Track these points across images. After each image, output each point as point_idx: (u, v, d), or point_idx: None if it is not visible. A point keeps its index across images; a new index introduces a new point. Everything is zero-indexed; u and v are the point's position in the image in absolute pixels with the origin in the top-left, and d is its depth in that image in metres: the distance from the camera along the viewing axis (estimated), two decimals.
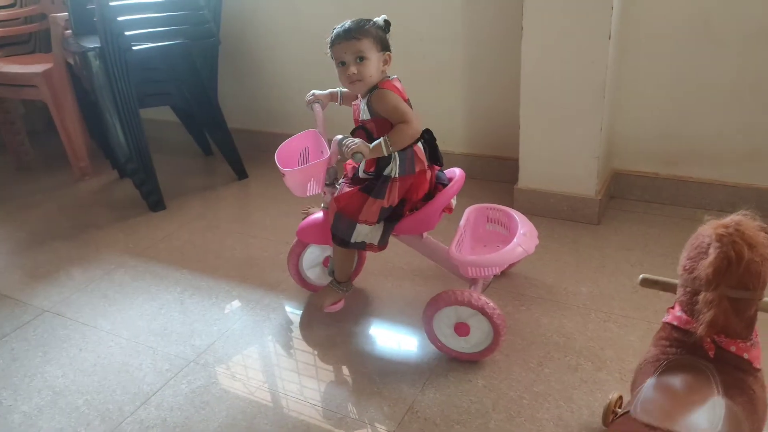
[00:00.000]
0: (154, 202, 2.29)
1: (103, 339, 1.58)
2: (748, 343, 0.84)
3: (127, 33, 2.11)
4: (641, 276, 0.95)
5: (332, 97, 1.50)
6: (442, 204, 1.39)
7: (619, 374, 1.31)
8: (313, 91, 1.50)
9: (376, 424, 1.24)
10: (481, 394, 1.29)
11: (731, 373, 0.83)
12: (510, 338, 1.44)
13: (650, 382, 0.86)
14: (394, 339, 1.52)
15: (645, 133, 1.95)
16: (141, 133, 2.22)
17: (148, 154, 2.24)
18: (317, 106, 1.48)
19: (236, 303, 1.69)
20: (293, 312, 1.64)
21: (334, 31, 1.34)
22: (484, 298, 1.32)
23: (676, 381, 0.84)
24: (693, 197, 1.94)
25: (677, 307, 0.91)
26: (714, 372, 0.82)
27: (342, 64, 1.32)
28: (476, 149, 2.30)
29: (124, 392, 1.39)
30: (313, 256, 1.66)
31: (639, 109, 1.93)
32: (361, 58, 1.30)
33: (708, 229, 0.83)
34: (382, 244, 1.41)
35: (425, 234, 1.47)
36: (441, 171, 1.44)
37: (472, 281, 1.45)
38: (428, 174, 1.39)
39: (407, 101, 1.35)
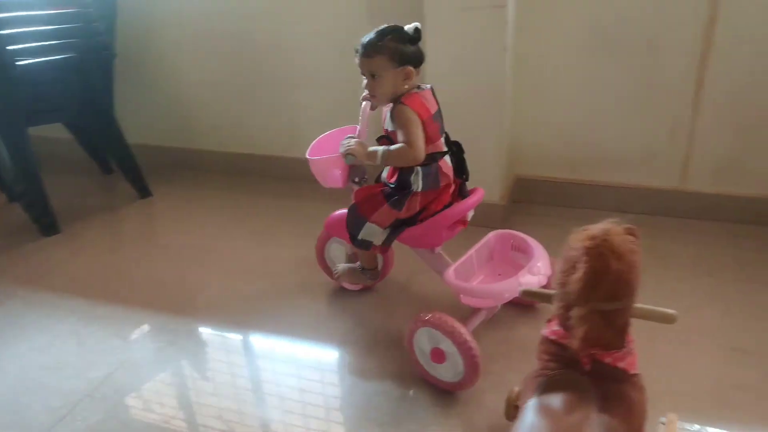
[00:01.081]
0: (47, 225, 2.14)
1: None
2: (623, 351, 0.84)
3: (9, 47, 1.97)
4: (521, 289, 0.95)
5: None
6: (448, 219, 1.31)
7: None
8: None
9: None
10: (394, 405, 1.28)
11: (608, 385, 0.82)
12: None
13: (531, 403, 0.85)
14: (307, 355, 1.49)
15: (546, 139, 2.04)
16: (28, 152, 2.07)
17: (37, 175, 2.09)
18: (366, 104, 1.40)
19: (138, 330, 1.60)
20: (202, 335, 1.58)
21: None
22: (459, 328, 1.23)
23: (555, 401, 0.82)
24: (592, 199, 2.04)
25: (555, 321, 0.91)
26: (591, 386, 0.82)
27: (363, 76, 1.31)
28: None
29: None
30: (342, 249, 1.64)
31: (540, 117, 2.01)
32: (374, 76, 1.28)
33: (576, 242, 0.82)
34: (385, 246, 1.39)
35: (438, 249, 1.41)
36: (464, 184, 1.39)
37: (474, 309, 1.37)
38: (452, 187, 1.35)
39: (431, 115, 1.27)
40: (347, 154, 1.30)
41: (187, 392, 1.39)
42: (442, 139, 1.32)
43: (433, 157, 1.29)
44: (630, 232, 0.84)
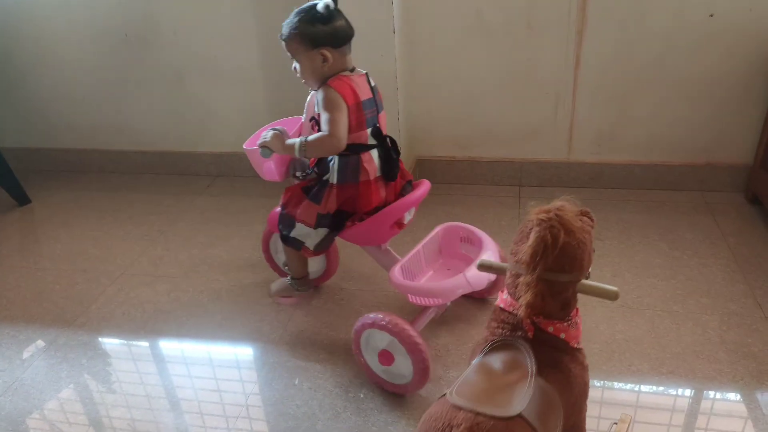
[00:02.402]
0: None
1: None
2: (566, 324, 0.87)
3: None
4: (478, 261, 0.97)
5: None
6: (388, 217, 1.25)
7: (434, 351, 1.37)
8: None
9: None
10: (308, 396, 1.28)
11: (548, 353, 0.86)
12: (331, 335, 1.45)
13: (473, 362, 0.89)
14: (218, 355, 1.44)
15: (440, 120, 2.08)
16: None
17: None
18: (312, 94, 1.31)
19: (25, 348, 1.48)
20: (100, 347, 1.48)
21: None
22: (405, 328, 1.17)
23: (496, 362, 0.87)
24: (486, 175, 2.11)
25: (505, 290, 0.94)
26: (530, 351, 0.85)
27: None
28: None
29: None
30: None
31: (432, 99, 2.04)
32: (295, 59, 1.22)
33: (531, 215, 0.85)
34: (318, 250, 1.33)
35: (384, 245, 1.36)
36: (409, 183, 1.33)
37: (423, 308, 1.34)
38: (378, 186, 1.25)
39: (359, 102, 1.20)
40: (263, 147, 1.25)
41: (94, 407, 1.30)
42: (369, 131, 1.23)
43: (353, 149, 1.22)
44: (584, 214, 0.88)
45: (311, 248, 1.32)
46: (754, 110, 1.84)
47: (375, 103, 1.25)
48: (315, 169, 1.31)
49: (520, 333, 0.88)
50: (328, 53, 1.19)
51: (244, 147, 1.37)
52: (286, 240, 1.34)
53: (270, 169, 1.36)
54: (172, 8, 2.09)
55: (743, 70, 1.79)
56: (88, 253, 1.87)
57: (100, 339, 1.50)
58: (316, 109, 1.26)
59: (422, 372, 1.18)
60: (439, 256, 1.43)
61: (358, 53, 1.76)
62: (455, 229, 1.42)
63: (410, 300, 1.25)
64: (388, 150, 1.25)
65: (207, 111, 2.27)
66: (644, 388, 1.26)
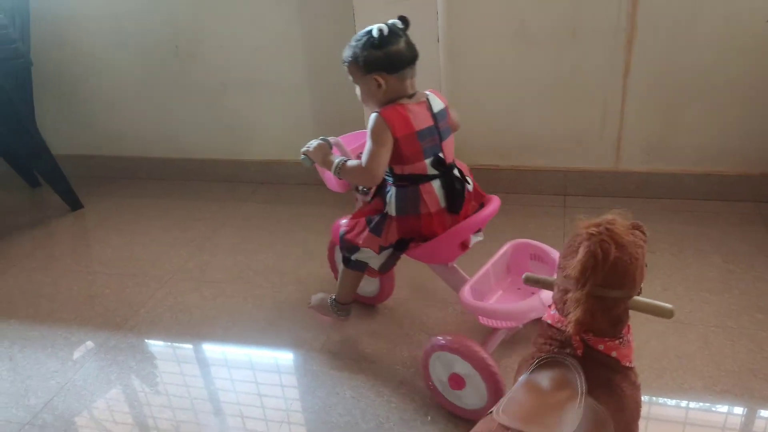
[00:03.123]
0: None
1: None
2: (617, 341, 0.84)
3: None
4: (525, 275, 0.94)
5: None
6: (455, 237, 1.20)
7: None
8: None
9: None
10: (350, 405, 1.28)
11: (599, 372, 0.83)
12: (375, 343, 1.45)
13: (520, 380, 0.87)
14: (261, 360, 1.46)
15: (482, 128, 2.06)
16: None
17: None
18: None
19: (77, 350, 1.53)
20: (148, 350, 1.52)
21: None
22: (479, 351, 1.13)
23: (544, 380, 0.84)
24: (529, 184, 2.08)
25: (553, 306, 0.91)
26: (580, 370, 0.82)
27: None
28: None
29: None
30: None
31: (475, 108, 2.03)
32: (355, 83, 1.21)
33: (580, 229, 0.82)
34: (383, 271, 1.31)
35: (452, 263, 1.30)
36: (481, 205, 1.28)
37: (493, 329, 1.28)
38: (442, 218, 1.20)
39: (413, 132, 1.16)
40: (304, 156, 1.26)
41: (140, 409, 1.34)
42: (428, 162, 1.18)
43: (410, 180, 1.18)
44: (637, 227, 0.85)
45: (376, 269, 1.30)
46: None
47: (437, 130, 1.19)
48: (366, 189, 1.30)
49: (568, 350, 0.85)
50: (381, 79, 1.15)
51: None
52: (349, 263, 1.31)
53: (331, 180, 1.34)
54: (219, 22, 2.14)
55: None
56: (137, 257, 1.93)
57: (148, 342, 1.54)
58: None
59: (496, 394, 1.12)
60: (508, 275, 1.37)
61: None
62: (525, 247, 1.35)
63: (480, 321, 1.21)
64: (452, 181, 1.20)
65: (253, 120, 2.31)
66: (696, 406, 1.21)
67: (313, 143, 1.26)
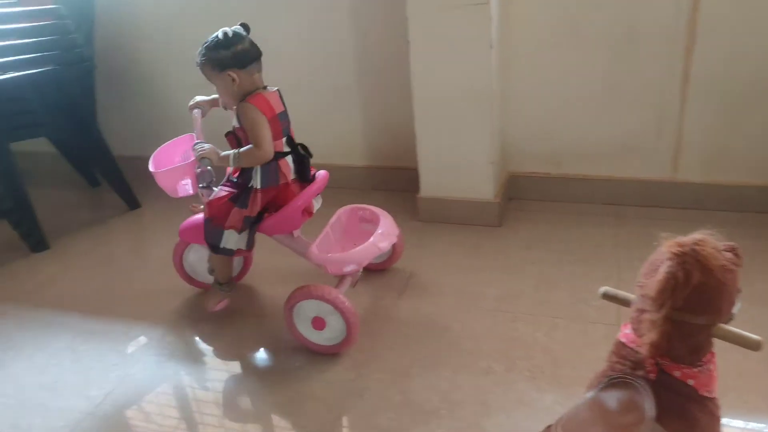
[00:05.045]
0: (35, 242, 2.11)
1: None
2: (696, 369, 0.80)
3: None
4: (602, 289, 0.90)
5: (214, 103, 1.54)
6: (300, 204, 1.44)
7: (528, 372, 1.34)
8: (195, 97, 1.54)
9: None
10: (399, 410, 1.28)
11: (672, 398, 0.79)
12: (423, 349, 1.45)
13: (587, 396, 0.85)
14: (309, 356, 1.48)
15: (533, 135, 2.04)
16: (13, 169, 2.03)
17: (24, 192, 2.06)
18: (197, 112, 1.53)
19: (135, 344, 1.58)
20: (201, 347, 1.56)
21: None
22: (336, 294, 1.40)
23: (611, 400, 0.81)
24: (581, 193, 2.05)
25: (629, 324, 0.88)
26: (651, 395, 0.78)
27: None
28: (377, 161, 2.31)
29: None
30: (201, 255, 1.70)
31: (526, 113, 2.01)
32: (211, 83, 1.38)
33: (664, 247, 0.77)
34: (250, 247, 1.48)
35: (296, 233, 1.52)
36: (314, 177, 1.51)
37: (340, 278, 1.52)
38: (294, 186, 1.45)
39: (276, 115, 1.38)
40: (202, 158, 1.38)
41: (189, 405, 1.37)
42: (284, 140, 1.41)
43: (275, 155, 1.40)
44: (730, 250, 0.80)
45: (244, 248, 1.47)
46: None
47: (287, 115, 1.43)
48: (236, 179, 1.46)
49: (641, 372, 0.81)
50: (234, 74, 1.34)
51: (154, 170, 1.50)
52: (218, 250, 1.46)
53: (186, 186, 1.51)
54: (273, 28, 2.18)
55: None
56: None
57: (198, 339, 1.58)
58: (234, 123, 1.40)
59: (353, 328, 1.40)
60: (344, 237, 1.62)
61: (453, 68, 1.78)
62: (354, 210, 1.65)
63: (329, 271, 1.46)
64: (301, 155, 1.44)
65: (301, 125, 2.34)
66: (758, 426, 1.17)
67: (205, 146, 1.40)
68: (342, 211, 1.64)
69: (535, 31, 1.88)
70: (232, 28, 1.36)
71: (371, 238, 1.49)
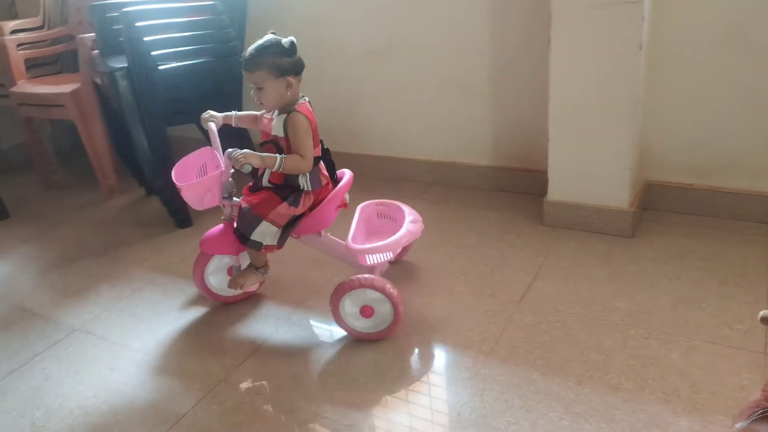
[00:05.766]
0: (181, 219, 2.30)
1: (134, 358, 1.58)
2: None
3: (153, 53, 2.13)
4: (763, 313, 0.84)
5: (226, 118, 1.60)
6: (336, 201, 1.52)
7: (662, 394, 1.26)
8: (209, 111, 1.59)
9: None
10: (519, 415, 1.26)
11: None
12: (546, 356, 1.41)
13: (736, 427, 0.80)
14: (416, 361, 1.49)
15: (678, 143, 1.91)
16: (167, 151, 2.23)
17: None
18: (212, 125, 1.57)
19: (265, 321, 1.68)
20: (322, 328, 1.63)
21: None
22: (382, 279, 1.49)
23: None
24: (728, 208, 1.88)
25: None
26: None
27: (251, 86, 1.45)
28: (504, 162, 2.28)
29: (156, 413, 1.38)
30: (221, 264, 1.75)
31: (671, 120, 1.89)
32: (260, 88, 1.42)
33: None
34: (281, 243, 1.52)
35: (323, 232, 1.59)
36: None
37: (370, 270, 1.56)
38: (329, 186, 1.55)
39: (315, 122, 1.46)
40: (244, 164, 1.42)
41: (320, 384, 1.43)
42: (320, 146, 1.50)
43: (315, 161, 1.48)
44: None
45: (275, 243, 1.51)
46: None
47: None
48: (273, 184, 1.51)
49: None
50: (292, 80, 1.42)
51: (180, 184, 1.54)
52: (246, 242, 1.50)
53: (212, 196, 1.56)
54: (413, 25, 2.22)
55: None
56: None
57: (320, 323, 1.65)
58: (275, 132, 1.46)
59: (399, 312, 1.48)
60: (369, 232, 1.74)
61: (597, 69, 1.71)
62: (371, 207, 1.76)
63: (366, 262, 1.53)
64: (329, 160, 1.55)
65: (429, 120, 2.37)
66: None
67: (244, 151, 1.43)
68: (361, 208, 1.74)
69: (691, 32, 1.76)
70: (288, 38, 1.42)
71: (404, 227, 1.58)
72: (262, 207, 1.48)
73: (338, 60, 2.46)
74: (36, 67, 2.91)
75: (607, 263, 1.75)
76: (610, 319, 1.51)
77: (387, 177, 2.53)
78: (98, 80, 2.40)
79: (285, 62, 1.41)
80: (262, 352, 1.55)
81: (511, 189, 2.26)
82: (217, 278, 1.74)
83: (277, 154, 1.44)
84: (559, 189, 1.94)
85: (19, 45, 2.78)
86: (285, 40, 1.41)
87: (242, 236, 1.51)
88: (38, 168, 2.95)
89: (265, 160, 1.43)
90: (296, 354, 1.53)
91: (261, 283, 1.71)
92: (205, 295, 1.75)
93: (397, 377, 1.41)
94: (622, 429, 1.19)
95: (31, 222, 2.56)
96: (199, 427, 1.32)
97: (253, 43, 1.44)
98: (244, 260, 1.68)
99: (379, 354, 1.49)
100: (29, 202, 2.79)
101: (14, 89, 2.70)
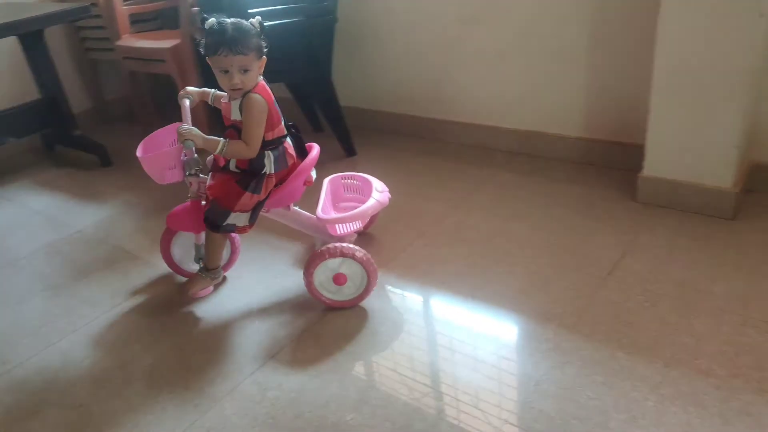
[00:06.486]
0: None
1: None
2: None
3: (250, 11, 2.17)
4: None
5: (203, 95, 1.56)
6: (303, 176, 1.50)
7: (757, 383, 1.20)
8: (187, 87, 1.55)
9: (495, 416, 1.22)
10: (600, 391, 1.23)
11: None
12: (632, 335, 1.37)
13: None
14: (493, 330, 1.48)
15: None
16: None
17: None
18: (186, 101, 1.53)
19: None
20: (402, 290, 1.65)
21: (214, 37, 1.34)
22: (350, 245, 1.51)
23: None
24: None
25: None
26: None
27: (225, 72, 1.36)
28: (595, 134, 2.19)
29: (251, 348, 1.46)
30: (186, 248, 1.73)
31: None
32: (246, 71, 1.35)
33: None
34: (252, 223, 1.50)
35: (292, 206, 1.59)
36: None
37: (339, 240, 1.58)
38: (297, 164, 1.50)
39: (273, 101, 1.41)
40: (186, 140, 1.38)
41: (382, 348, 1.46)
42: (283, 124, 1.45)
43: (279, 141, 1.44)
44: None
45: (247, 223, 1.48)
46: None
47: (276, 101, 1.43)
48: (239, 169, 1.47)
49: None
50: (264, 62, 1.39)
51: (141, 155, 1.50)
52: (218, 229, 1.47)
53: (174, 171, 1.52)
54: None
55: None
56: (398, 205, 2.05)
57: (404, 282, 1.66)
58: (233, 117, 1.41)
59: (374, 276, 1.52)
60: (334, 205, 1.78)
61: (711, 38, 1.59)
62: (337, 180, 1.80)
63: (336, 231, 1.59)
64: (296, 135, 1.50)
65: (520, 89, 2.30)
66: None
67: (191, 128, 1.39)
68: (328, 181, 1.76)
69: None
70: (257, 17, 1.38)
71: (373, 195, 1.63)
72: (227, 201, 1.45)
73: (431, 26, 2.42)
74: (139, 23, 3.05)
75: (705, 245, 1.66)
76: (703, 302, 1.44)
77: (471, 144, 2.49)
78: (198, 36, 2.48)
79: (259, 42, 1.37)
80: (327, 319, 1.59)
81: (601, 162, 2.18)
82: (180, 251, 1.76)
83: (221, 138, 1.41)
84: (657, 164, 1.84)
85: (124, 0, 2.91)
86: (258, 21, 1.38)
87: (214, 226, 1.48)
88: (139, 120, 3.11)
89: (209, 142, 1.40)
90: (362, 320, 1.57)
91: (208, 290, 1.68)
92: (171, 268, 1.76)
93: (480, 343, 1.42)
94: (711, 415, 1.14)
95: (132, 171, 2.70)
96: (283, 372, 1.38)
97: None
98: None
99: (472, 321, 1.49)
100: (131, 152, 2.93)
101: (119, 43, 2.85)
